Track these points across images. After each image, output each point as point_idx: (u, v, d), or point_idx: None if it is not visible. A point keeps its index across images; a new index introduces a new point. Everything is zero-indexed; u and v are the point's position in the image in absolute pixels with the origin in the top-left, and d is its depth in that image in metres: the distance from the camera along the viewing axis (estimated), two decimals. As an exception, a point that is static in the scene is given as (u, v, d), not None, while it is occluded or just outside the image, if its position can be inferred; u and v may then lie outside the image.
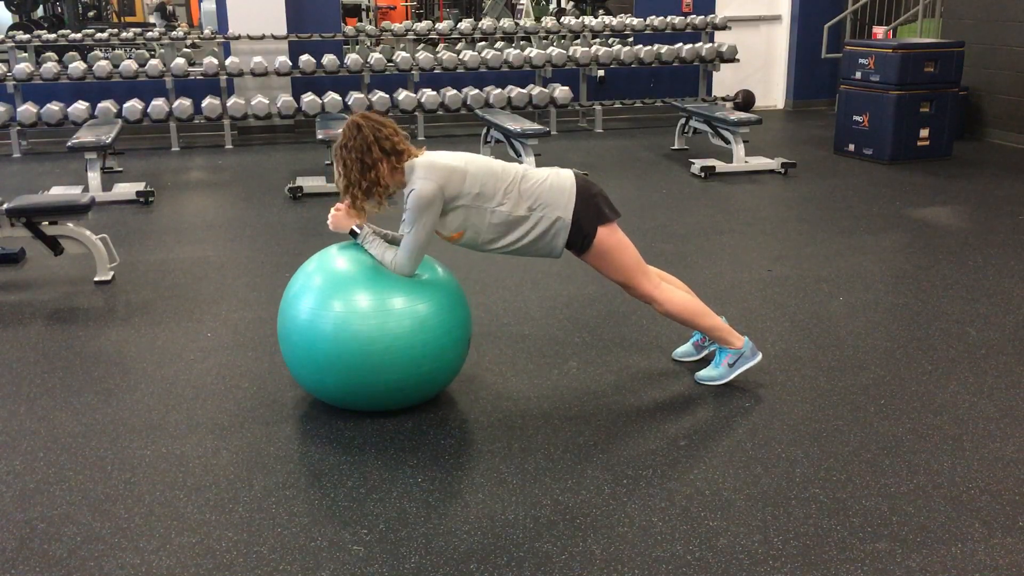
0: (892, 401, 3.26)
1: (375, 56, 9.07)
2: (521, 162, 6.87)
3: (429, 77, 9.39)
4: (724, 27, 10.02)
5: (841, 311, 4.20)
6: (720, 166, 7.26)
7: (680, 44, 9.73)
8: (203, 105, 8.53)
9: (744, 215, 6.04)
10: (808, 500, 2.63)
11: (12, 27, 11.71)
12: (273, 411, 3.23)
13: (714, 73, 10.06)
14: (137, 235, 5.65)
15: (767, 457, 2.88)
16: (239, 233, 5.73)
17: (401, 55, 9.12)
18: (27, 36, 9.42)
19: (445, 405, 3.25)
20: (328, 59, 8.92)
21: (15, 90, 8.59)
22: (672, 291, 3.31)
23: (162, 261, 5.08)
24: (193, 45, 10.60)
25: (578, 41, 9.96)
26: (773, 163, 7.33)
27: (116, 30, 9.88)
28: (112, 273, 4.71)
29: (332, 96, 8.49)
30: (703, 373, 3.42)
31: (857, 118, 7.73)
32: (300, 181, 6.76)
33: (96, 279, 4.66)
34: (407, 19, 14.45)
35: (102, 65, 8.58)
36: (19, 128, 8.27)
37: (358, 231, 3.09)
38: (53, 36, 9.18)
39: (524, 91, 8.88)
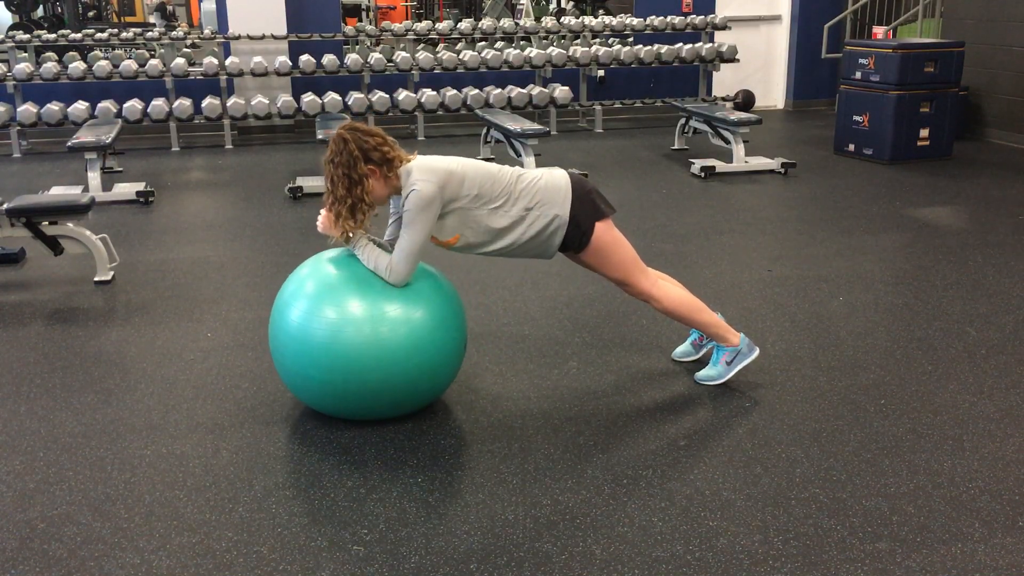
0: (892, 401, 3.26)
1: (375, 56, 9.07)
2: (521, 162, 6.88)
3: (429, 77, 9.39)
4: (724, 27, 10.02)
5: (841, 311, 4.20)
6: (720, 166, 7.26)
7: (680, 44, 9.73)
8: (203, 105, 8.53)
9: (744, 215, 6.04)
10: (808, 500, 2.64)
11: (12, 27, 11.71)
12: (273, 411, 3.23)
13: (714, 73, 10.06)
14: (137, 235, 5.65)
15: (767, 457, 2.88)
16: (239, 233, 5.73)
17: (401, 55, 9.12)
18: (27, 36, 9.42)
19: (445, 406, 3.25)
20: (328, 59, 8.92)
21: (15, 90, 8.59)
22: (670, 288, 3.32)
23: (162, 261, 5.08)
24: (193, 45, 10.61)
25: (578, 41, 9.96)
26: (773, 163, 7.33)
27: (116, 30, 9.88)
28: (112, 273, 4.71)
29: (332, 96, 8.48)
30: (702, 373, 3.42)
31: (857, 118, 7.73)
32: (300, 181, 6.76)
33: (96, 279, 4.66)
34: (407, 19, 14.45)
35: (102, 65, 8.58)
36: (19, 128, 8.27)
37: (351, 235, 3.07)
38: (53, 36, 9.19)
39: (524, 91, 8.87)
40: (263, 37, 9.15)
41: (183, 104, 8.48)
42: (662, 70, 10.35)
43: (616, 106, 9.99)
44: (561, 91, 9.03)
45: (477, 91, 8.81)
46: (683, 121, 8.21)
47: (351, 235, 3.01)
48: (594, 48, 9.54)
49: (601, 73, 10.16)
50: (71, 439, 3.04)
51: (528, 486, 2.72)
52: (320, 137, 6.75)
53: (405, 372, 2.95)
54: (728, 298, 4.33)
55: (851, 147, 7.84)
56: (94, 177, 6.51)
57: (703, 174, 7.17)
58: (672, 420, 3.18)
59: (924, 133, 7.54)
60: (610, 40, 10.61)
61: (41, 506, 2.65)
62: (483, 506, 2.63)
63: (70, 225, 4.60)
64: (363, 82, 9.13)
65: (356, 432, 3.06)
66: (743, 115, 7.44)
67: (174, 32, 9.78)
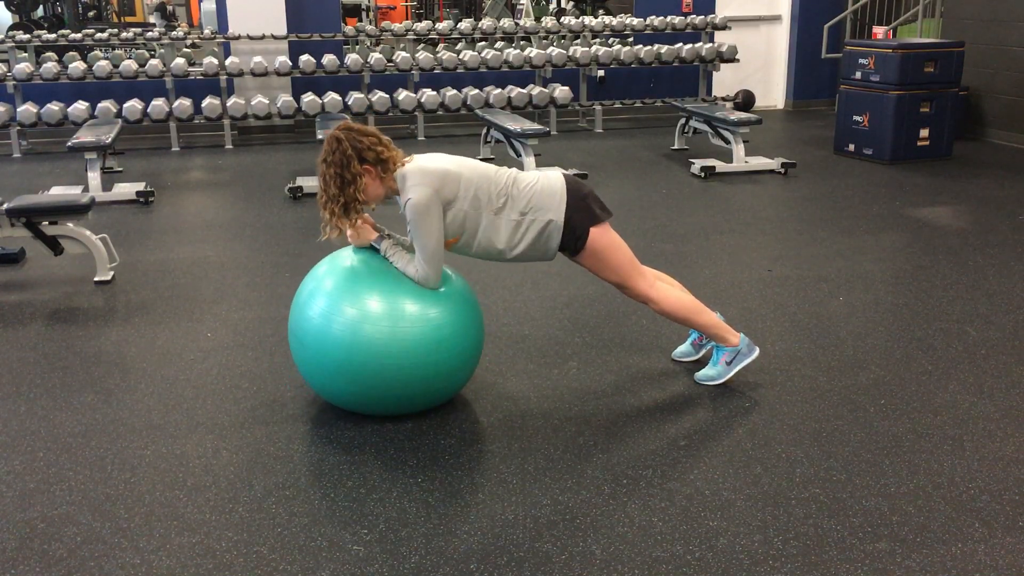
0: (892, 401, 3.26)
1: (375, 56, 9.07)
2: (521, 162, 6.88)
3: (429, 77, 9.39)
4: (724, 27, 10.02)
5: (841, 311, 4.20)
6: (720, 166, 7.26)
7: (680, 44, 9.73)
8: (203, 105, 8.53)
9: (744, 215, 6.04)
10: (808, 500, 2.63)
11: (12, 27, 11.70)
12: (273, 411, 3.23)
13: (714, 73, 10.06)
14: (137, 235, 5.65)
15: (767, 457, 2.88)
16: (239, 233, 5.73)
17: (401, 55, 9.12)
18: (27, 36, 9.42)
19: (445, 405, 3.25)
20: (328, 59, 8.92)
21: (15, 90, 8.59)
22: (668, 290, 3.31)
23: (162, 261, 5.08)
24: (193, 45, 10.60)
25: (578, 41, 9.96)
26: (773, 163, 7.33)
27: (116, 30, 9.89)
28: (112, 273, 4.71)
29: (332, 96, 8.48)
30: (702, 373, 3.42)
31: (857, 118, 7.73)
32: (300, 181, 6.75)
33: (96, 279, 4.66)
34: (407, 19, 14.45)
35: (102, 65, 8.58)
36: (19, 128, 8.27)
37: (377, 246, 3.07)
38: (53, 36, 9.18)
39: (524, 91, 8.87)
40: (263, 37, 9.15)
41: (183, 104, 8.48)
42: (662, 70, 10.35)
43: (616, 106, 9.99)
44: (561, 91, 9.03)
45: (477, 91, 8.81)
46: (683, 121, 8.21)
47: (378, 244, 3.06)
48: (594, 48, 9.54)
49: (601, 73, 10.16)
50: (71, 439, 3.04)
51: (528, 486, 2.72)
52: (320, 137, 6.74)
53: (424, 368, 2.98)
54: (728, 298, 4.33)
55: (851, 147, 7.84)
56: (94, 177, 6.51)
57: (703, 174, 7.17)
58: (672, 420, 3.18)
59: (924, 133, 7.54)
60: (610, 40, 10.61)
61: (41, 506, 2.65)
62: (483, 506, 2.63)
63: (70, 225, 4.60)
64: (363, 82, 9.13)
65: (356, 432, 3.06)
66: (743, 115, 7.44)
67: (174, 32, 9.78)
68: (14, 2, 12.59)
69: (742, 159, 7.29)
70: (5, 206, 4.49)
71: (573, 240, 3.12)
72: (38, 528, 2.54)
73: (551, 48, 9.50)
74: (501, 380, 3.48)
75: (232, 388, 3.42)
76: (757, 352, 3.38)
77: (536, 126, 7.06)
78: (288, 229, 5.79)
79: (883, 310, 4.27)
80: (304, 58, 8.93)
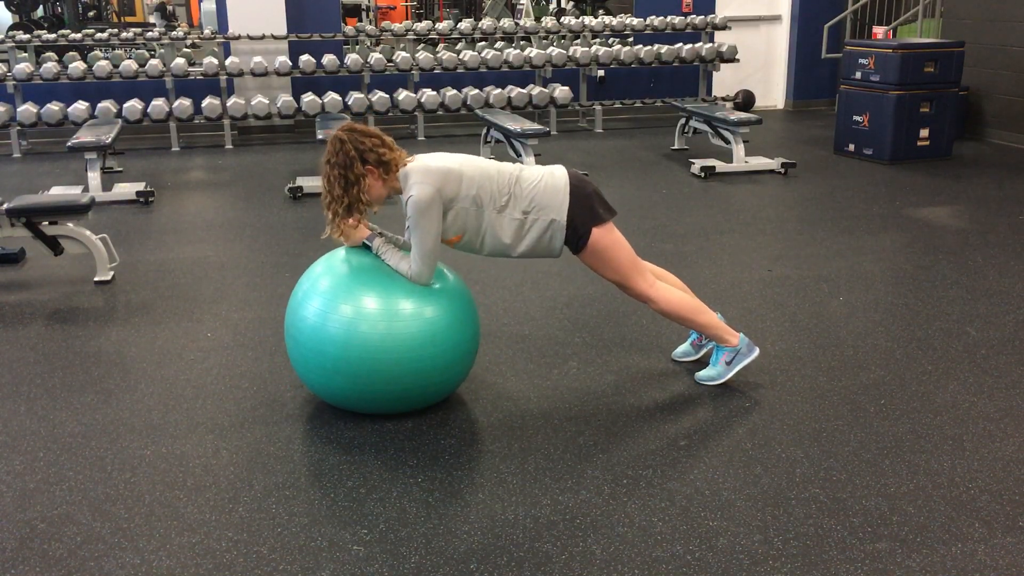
0: (892, 401, 3.26)
1: (375, 56, 9.07)
2: (521, 162, 6.88)
3: (429, 77, 9.39)
4: (724, 27, 10.02)
5: (841, 311, 4.20)
6: (720, 166, 7.26)
7: (680, 44, 9.73)
8: (203, 105, 8.53)
9: (744, 215, 6.04)
10: (808, 500, 2.63)
11: (12, 27, 11.70)
12: (273, 411, 3.23)
13: (714, 73, 10.06)
14: (137, 235, 5.65)
15: (767, 457, 2.88)
16: (239, 233, 5.73)
17: (401, 55, 9.12)
18: (27, 36, 9.42)
19: (445, 405, 3.25)
20: (328, 59, 8.92)
21: (15, 90, 8.59)
22: (668, 290, 3.31)
23: (162, 261, 5.08)
24: (193, 45, 10.60)
25: (578, 41, 9.96)
26: (773, 163, 7.33)
27: (116, 30, 9.89)
28: (112, 273, 4.71)
29: (332, 96, 8.49)
30: (702, 373, 3.42)
31: (857, 118, 7.73)
32: (300, 181, 6.75)
33: (96, 279, 4.66)
34: (407, 19, 14.45)
35: (102, 65, 8.58)
36: (19, 128, 8.26)
37: (369, 243, 3.08)
38: (53, 36, 9.19)
39: (524, 91, 8.88)
40: (263, 37, 9.15)
41: (183, 104, 8.48)
42: (662, 70, 10.35)
43: (616, 106, 9.99)
44: (561, 91, 9.03)
45: (477, 91, 8.81)
46: (683, 121, 8.21)
47: (370, 242, 3.07)
48: (594, 48, 9.54)
49: (601, 73, 10.16)
50: (71, 439, 3.04)
51: (528, 486, 2.72)
52: (320, 137, 6.75)
53: (419, 363, 2.98)
54: (728, 298, 4.33)
55: (851, 147, 7.84)
56: (94, 177, 6.51)
57: (703, 174, 7.17)
58: (672, 420, 3.18)
59: (924, 133, 7.54)
60: (610, 40, 10.61)
61: (41, 506, 2.65)
62: (483, 506, 2.63)
63: (70, 225, 4.60)
64: (363, 82, 9.13)
65: (356, 432, 3.06)
66: (743, 115, 7.44)
67: (174, 32, 9.78)
68: (14, 2, 12.59)
69: (742, 159, 7.29)
70: (5, 206, 4.49)
71: (575, 239, 3.13)
72: (38, 528, 2.54)
73: (551, 48, 9.50)
74: (501, 380, 3.48)
75: (232, 388, 3.42)
76: (757, 352, 3.38)
77: (536, 126, 7.06)
78: (288, 229, 5.79)
79: (883, 310, 4.27)
80: (304, 58, 8.93)
